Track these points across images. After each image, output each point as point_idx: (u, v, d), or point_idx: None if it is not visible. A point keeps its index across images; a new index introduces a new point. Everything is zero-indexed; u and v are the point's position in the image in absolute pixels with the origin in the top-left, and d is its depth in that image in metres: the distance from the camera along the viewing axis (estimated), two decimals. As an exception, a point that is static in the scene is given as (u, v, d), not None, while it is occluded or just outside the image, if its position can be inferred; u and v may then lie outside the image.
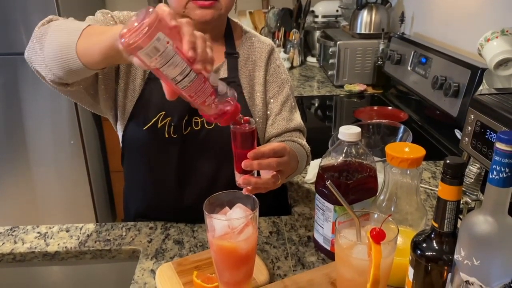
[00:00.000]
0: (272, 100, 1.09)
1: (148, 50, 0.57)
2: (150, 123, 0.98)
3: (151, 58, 0.58)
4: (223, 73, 1.04)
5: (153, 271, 0.89)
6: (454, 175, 0.65)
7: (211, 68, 0.64)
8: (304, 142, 1.08)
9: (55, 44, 0.78)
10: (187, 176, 1.03)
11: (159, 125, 0.98)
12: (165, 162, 1.02)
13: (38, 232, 1.03)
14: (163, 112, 0.97)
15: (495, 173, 0.57)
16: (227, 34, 1.07)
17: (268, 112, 1.09)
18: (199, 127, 1.00)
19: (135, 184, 1.12)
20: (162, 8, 0.61)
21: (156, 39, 0.57)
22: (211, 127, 1.00)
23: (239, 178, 0.76)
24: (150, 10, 0.58)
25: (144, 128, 0.98)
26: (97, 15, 0.97)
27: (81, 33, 0.76)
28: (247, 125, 0.73)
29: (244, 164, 0.74)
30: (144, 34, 0.56)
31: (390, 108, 1.88)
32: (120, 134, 1.06)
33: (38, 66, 0.82)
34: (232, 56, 1.05)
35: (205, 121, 1.00)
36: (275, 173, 0.79)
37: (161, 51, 0.58)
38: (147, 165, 1.04)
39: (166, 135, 0.98)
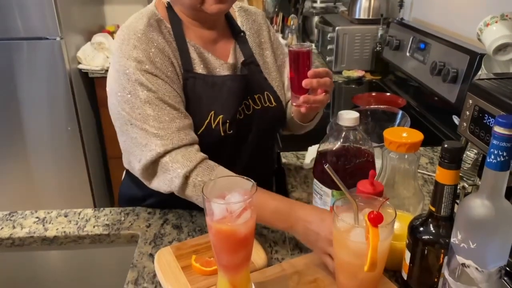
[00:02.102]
0: (283, 72, 1.12)
1: None
2: (204, 126, 0.93)
3: None
4: (240, 56, 1.03)
5: (151, 255, 0.90)
6: (452, 159, 0.66)
7: None
8: None
9: None
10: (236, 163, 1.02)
11: (213, 126, 0.94)
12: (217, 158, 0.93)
13: (37, 217, 1.04)
14: (213, 111, 0.94)
15: (492, 157, 0.57)
16: (227, 15, 1.05)
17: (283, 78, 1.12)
18: (242, 116, 1.00)
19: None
20: None
21: None
22: (249, 112, 1.01)
23: (299, 98, 0.89)
24: None
25: (198, 133, 0.93)
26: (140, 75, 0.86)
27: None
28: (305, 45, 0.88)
29: (305, 82, 0.86)
30: None
31: (388, 94, 1.88)
32: None
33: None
34: (241, 36, 1.05)
35: (244, 108, 1.00)
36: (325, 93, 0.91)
37: None
38: None
39: (222, 134, 0.95)
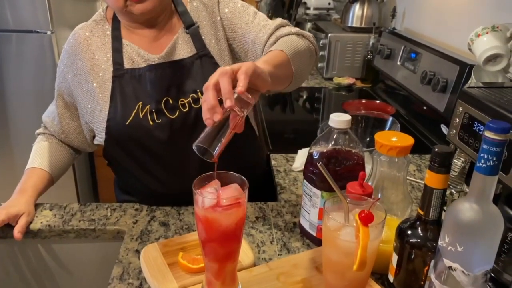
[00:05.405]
0: (244, 29, 1.03)
1: None
2: (132, 116, 0.98)
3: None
4: (191, 50, 1.01)
5: (137, 252, 0.89)
6: (442, 164, 0.67)
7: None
8: (293, 29, 1.00)
9: None
10: (180, 161, 1.02)
11: (141, 116, 0.98)
12: (156, 149, 1.01)
13: (21, 210, 1.01)
14: (141, 102, 0.98)
15: (482, 161, 0.58)
16: (178, 7, 1.03)
17: (247, 38, 1.03)
18: (187, 108, 0.99)
19: (128, 179, 1.12)
20: None
21: None
22: (198, 106, 0.99)
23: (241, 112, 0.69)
24: None
25: (126, 123, 0.98)
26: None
27: None
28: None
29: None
30: None
31: (378, 102, 1.89)
32: (100, 140, 1.05)
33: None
34: (193, 28, 1.02)
35: (191, 101, 0.99)
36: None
37: None
38: (139, 157, 1.03)
39: (151, 123, 0.98)
